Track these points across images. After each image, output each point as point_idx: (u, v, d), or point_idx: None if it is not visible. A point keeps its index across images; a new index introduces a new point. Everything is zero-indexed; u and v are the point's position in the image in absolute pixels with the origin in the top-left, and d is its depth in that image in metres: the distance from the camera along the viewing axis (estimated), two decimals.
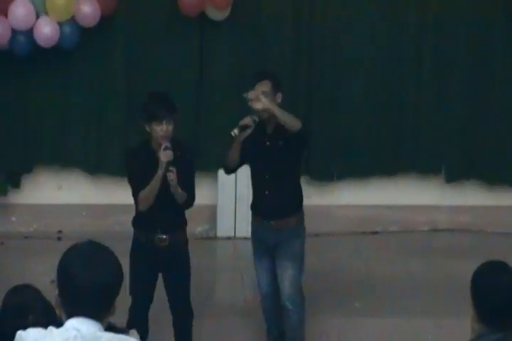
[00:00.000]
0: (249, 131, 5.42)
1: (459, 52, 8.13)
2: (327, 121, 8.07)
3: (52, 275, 2.51)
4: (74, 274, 2.36)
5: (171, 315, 5.58)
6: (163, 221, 5.41)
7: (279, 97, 5.53)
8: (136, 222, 5.58)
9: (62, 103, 8.11)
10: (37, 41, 7.41)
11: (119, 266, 2.43)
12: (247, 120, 5.41)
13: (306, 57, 8.10)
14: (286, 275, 5.55)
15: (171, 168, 5.20)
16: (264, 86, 5.47)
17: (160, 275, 5.61)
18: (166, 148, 5.16)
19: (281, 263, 5.58)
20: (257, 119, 5.37)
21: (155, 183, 5.25)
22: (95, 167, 8.01)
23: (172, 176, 5.17)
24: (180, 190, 5.28)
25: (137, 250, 5.50)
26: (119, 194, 7.23)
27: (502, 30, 8.07)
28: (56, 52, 7.67)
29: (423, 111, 8.25)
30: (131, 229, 5.76)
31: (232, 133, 5.41)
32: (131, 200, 5.66)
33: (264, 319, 5.83)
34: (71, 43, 7.67)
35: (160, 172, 5.17)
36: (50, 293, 2.62)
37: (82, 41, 7.69)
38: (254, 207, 5.77)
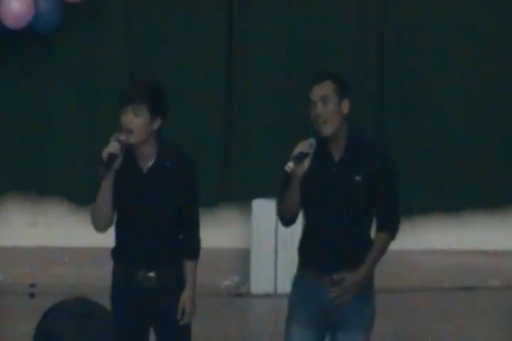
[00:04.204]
0: (307, 162, 4.55)
1: None
2: (406, 137, 7.51)
3: None
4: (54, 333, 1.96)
5: None
6: (150, 251, 4.64)
7: (346, 107, 4.65)
8: (114, 253, 4.82)
9: (39, 105, 7.41)
10: (4, 21, 6.97)
11: (120, 335, 1.98)
12: (303, 146, 4.52)
13: (375, 53, 7.65)
14: None
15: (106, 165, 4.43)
16: (325, 88, 4.58)
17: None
18: (115, 139, 4.43)
19: (345, 336, 4.60)
20: (314, 143, 4.55)
21: (99, 192, 4.57)
22: (85, 195, 6.94)
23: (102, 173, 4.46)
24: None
25: (116, 292, 4.70)
26: None
27: None
28: (30, 36, 7.16)
29: None
30: None
31: (288, 169, 4.45)
32: None
33: None
34: (51, 24, 7.14)
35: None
36: None
37: (65, 21, 7.13)
38: (305, 253, 4.81)
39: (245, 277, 7.55)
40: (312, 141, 4.53)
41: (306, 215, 4.87)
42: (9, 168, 7.46)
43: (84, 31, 7.43)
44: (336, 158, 4.60)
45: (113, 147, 4.34)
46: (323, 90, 4.52)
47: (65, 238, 7.19)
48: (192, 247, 4.67)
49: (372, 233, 4.87)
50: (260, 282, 7.46)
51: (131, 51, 7.54)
